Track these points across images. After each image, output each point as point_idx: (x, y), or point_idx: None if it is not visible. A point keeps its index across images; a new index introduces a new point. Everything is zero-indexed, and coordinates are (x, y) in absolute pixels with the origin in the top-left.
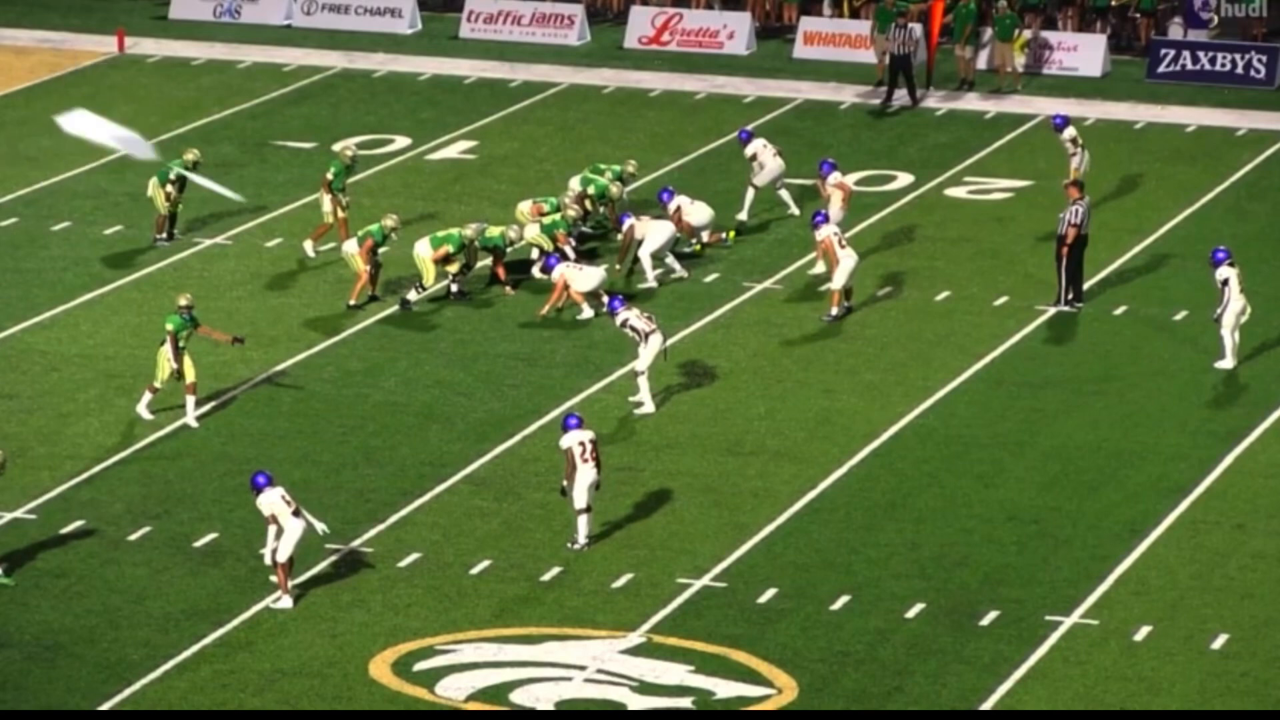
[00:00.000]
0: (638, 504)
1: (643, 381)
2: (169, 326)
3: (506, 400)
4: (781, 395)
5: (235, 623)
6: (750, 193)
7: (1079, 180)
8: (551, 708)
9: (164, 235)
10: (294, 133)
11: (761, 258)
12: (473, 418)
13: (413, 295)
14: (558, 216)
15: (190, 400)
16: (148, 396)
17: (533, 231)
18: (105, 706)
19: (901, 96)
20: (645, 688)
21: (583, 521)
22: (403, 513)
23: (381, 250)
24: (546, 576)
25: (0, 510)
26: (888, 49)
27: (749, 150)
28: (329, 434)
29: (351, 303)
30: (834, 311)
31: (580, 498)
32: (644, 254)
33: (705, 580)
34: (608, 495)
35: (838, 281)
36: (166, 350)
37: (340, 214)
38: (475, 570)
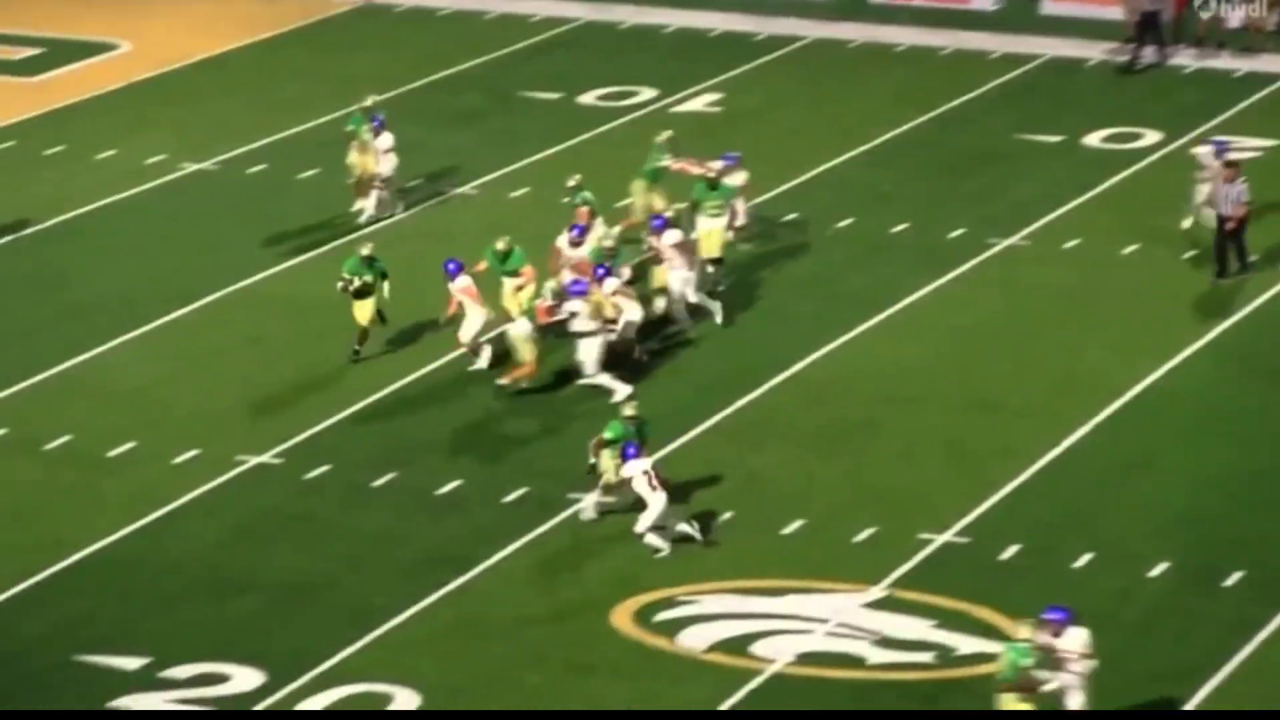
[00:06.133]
0: (879, 458)
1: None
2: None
3: (751, 352)
4: (1025, 352)
5: (477, 570)
6: None
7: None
8: (793, 659)
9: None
10: (539, 83)
11: (1005, 215)
12: (717, 370)
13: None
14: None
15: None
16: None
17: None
18: (348, 651)
19: (1150, 53)
20: (886, 642)
21: (654, 538)
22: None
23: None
24: (789, 529)
25: (247, 455)
26: (1138, 5)
27: None
28: (572, 386)
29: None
30: None
31: (647, 523)
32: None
33: (948, 536)
34: (851, 450)
35: None
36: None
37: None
38: (718, 522)
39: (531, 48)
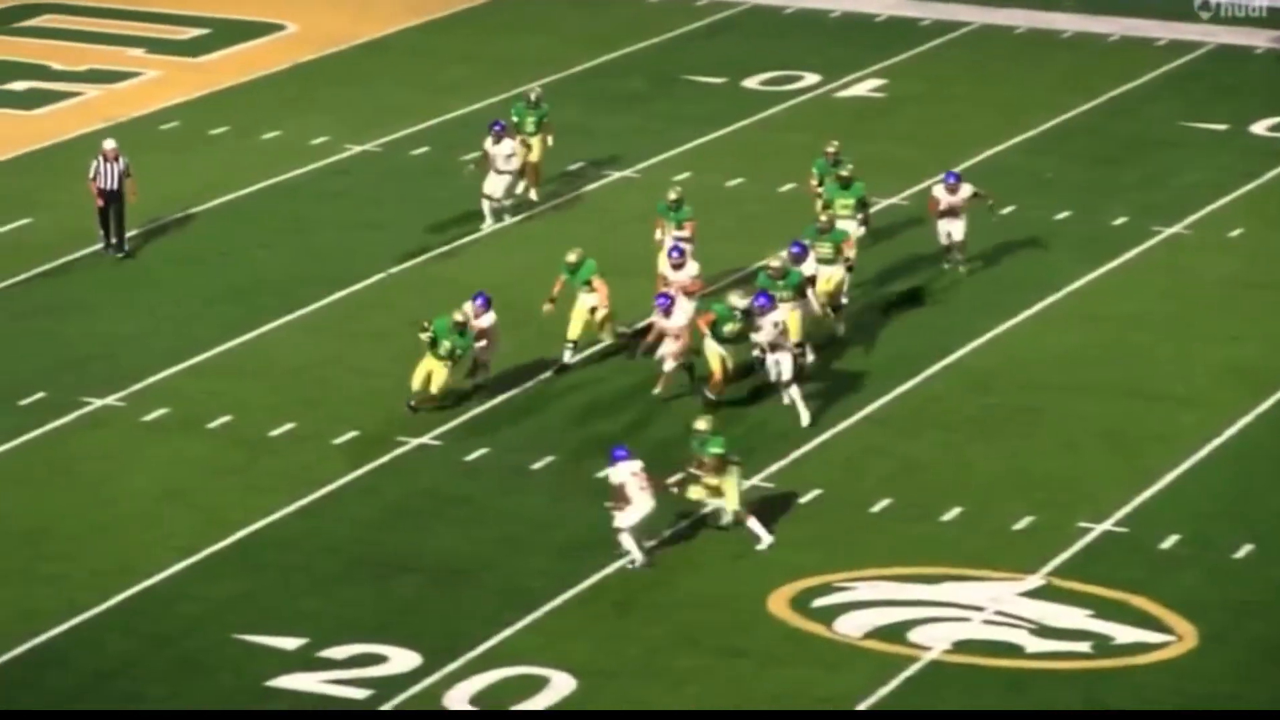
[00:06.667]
0: (1039, 446)
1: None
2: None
3: (910, 339)
4: (1187, 341)
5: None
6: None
7: None
8: (949, 647)
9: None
10: (703, 67)
11: (1168, 203)
12: (877, 357)
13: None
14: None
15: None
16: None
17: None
18: (505, 634)
19: None
20: (1043, 631)
21: (630, 541)
22: (804, 449)
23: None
24: (946, 517)
25: (407, 436)
26: None
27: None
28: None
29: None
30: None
31: (631, 520)
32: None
33: (1106, 525)
34: (1009, 436)
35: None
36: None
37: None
38: (875, 509)
39: (696, 31)
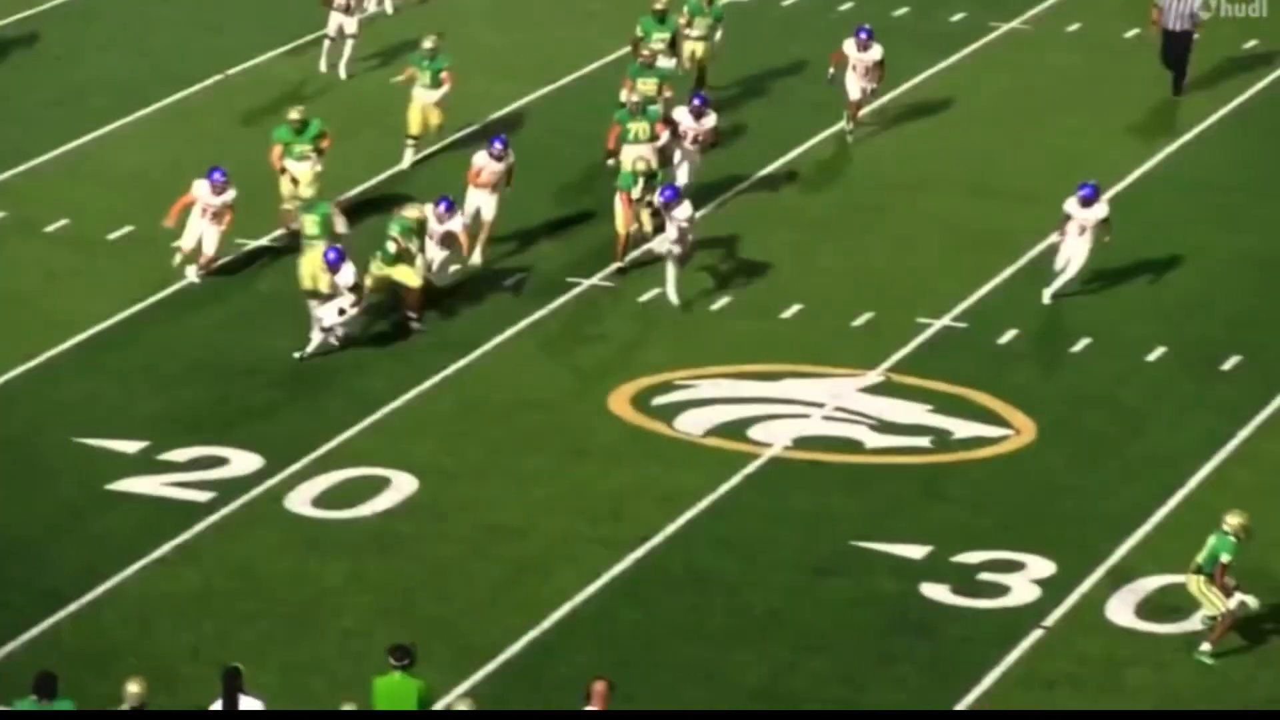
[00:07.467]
0: (878, 243)
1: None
2: None
3: (752, 140)
4: (1026, 137)
5: (476, 353)
6: None
7: None
8: (790, 443)
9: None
10: None
11: None
12: (722, 158)
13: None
14: None
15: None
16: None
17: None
18: (347, 434)
19: None
20: (883, 426)
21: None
22: (644, 247)
23: None
24: (787, 314)
25: (246, 239)
26: None
27: None
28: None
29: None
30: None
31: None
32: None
33: (945, 320)
34: (851, 234)
35: None
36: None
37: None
38: (715, 307)
39: None
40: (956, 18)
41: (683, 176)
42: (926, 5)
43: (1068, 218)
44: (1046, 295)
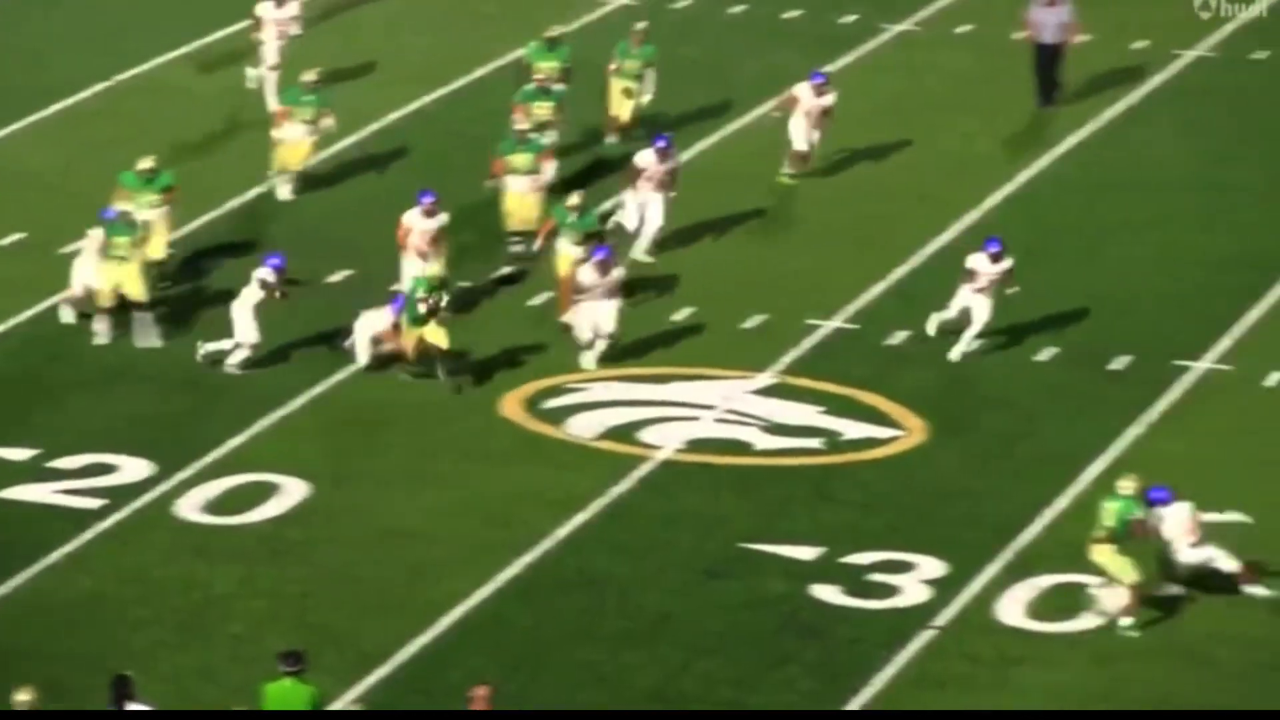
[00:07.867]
0: (769, 245)
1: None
2: None
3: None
4: (917, 138)
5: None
6: None
7: None
8: (681, 446)
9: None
10: None
11: (898, 0)
12: (607, 157)
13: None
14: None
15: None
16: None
17: None
18: (238, 440)
19: None
20: (774, 428)
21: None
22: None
23: None
24: (677, 317)
25: None
26: None
27: None
28: None
29: None
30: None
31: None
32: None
33: (836, 322)
34: (740, 237)
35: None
36: None
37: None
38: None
39: None
40: (847, 19)
41: (655, 219)
42: (818, 7)
43: (972, 273)
44: (955, 354)
